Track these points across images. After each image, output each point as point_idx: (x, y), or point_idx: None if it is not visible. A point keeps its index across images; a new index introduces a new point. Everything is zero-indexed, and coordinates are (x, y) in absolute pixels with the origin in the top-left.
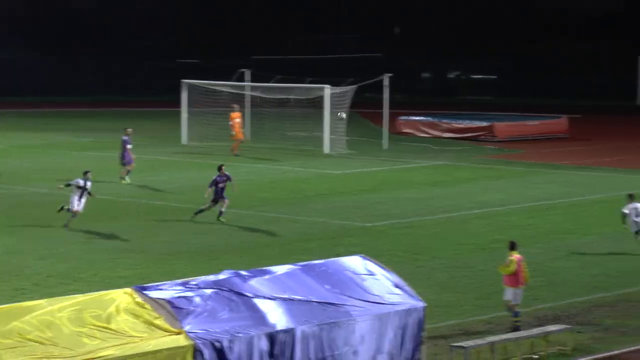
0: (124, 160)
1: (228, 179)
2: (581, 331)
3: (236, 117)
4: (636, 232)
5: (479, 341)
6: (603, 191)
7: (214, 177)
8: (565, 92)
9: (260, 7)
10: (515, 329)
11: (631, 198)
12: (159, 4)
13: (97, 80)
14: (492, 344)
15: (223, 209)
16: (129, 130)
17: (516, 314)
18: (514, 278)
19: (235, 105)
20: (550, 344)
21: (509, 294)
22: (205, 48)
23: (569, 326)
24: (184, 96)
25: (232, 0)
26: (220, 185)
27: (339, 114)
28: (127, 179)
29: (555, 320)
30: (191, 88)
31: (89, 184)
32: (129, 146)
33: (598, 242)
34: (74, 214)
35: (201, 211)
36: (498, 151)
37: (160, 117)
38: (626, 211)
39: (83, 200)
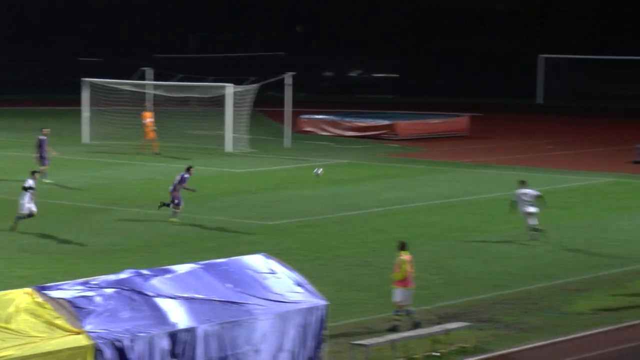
0: (42, 161)
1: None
2: (482, 328)
3: (148, 117)
4: (527, 214)
5: (380, 339)
6: (503, 189)
7: (181, 175)
8: (467, 90)
9: (161, 6)
10: (416, 324)
11: (522, 184)
12: (61, 2)
13: None
14: (394, 341)
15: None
16: (46, 130)
17: (409, 312)
18: (404, 279)
19: (148, 104)
20: (452, 341)
21: (399, 294)
22: (107, 47)
23: (469, 323)
24: (85, 95)
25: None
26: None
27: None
28: (47, 179)
29: (456, 317)
30: (93, 87)
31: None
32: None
33: (498, 240)
34: (31, 214)
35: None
36: (400, 149)
37: (61, 115)
38: (516, 198)
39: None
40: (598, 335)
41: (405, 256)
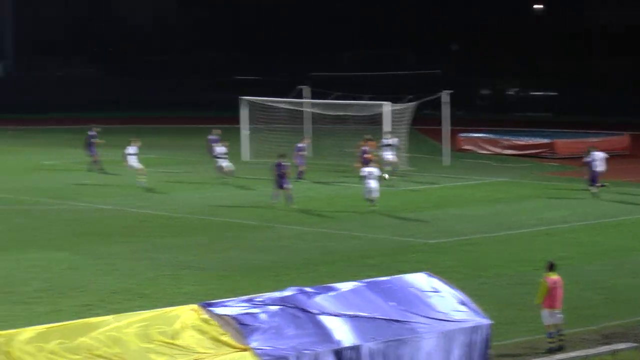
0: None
1: None
2: None
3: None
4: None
5: (546, 359)
6: None
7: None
8: (627, 108)
9: (317, 23)
10: (560, 348)
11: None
12: (215, 20)
13: (157, 96)
14: None
15: None
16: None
17: (551, 335)
18: (549, 299)
19: (368, 135)
20: None
21: (545, 316)
22: (262, 64)
23: (637, 344)
24: (244, 113)
25: (289, 17)
26: None
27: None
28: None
29: (622, 337)
30: (249, 105)
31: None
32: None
33: None
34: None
35: None
36: (560, 168)
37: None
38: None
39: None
40: None
41: (549, 277)
